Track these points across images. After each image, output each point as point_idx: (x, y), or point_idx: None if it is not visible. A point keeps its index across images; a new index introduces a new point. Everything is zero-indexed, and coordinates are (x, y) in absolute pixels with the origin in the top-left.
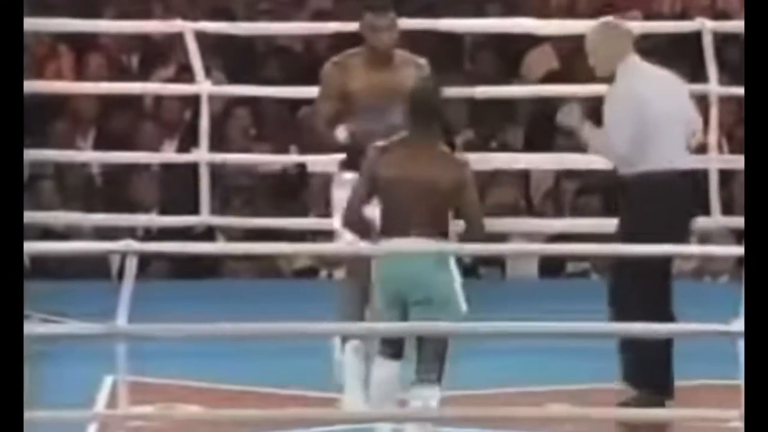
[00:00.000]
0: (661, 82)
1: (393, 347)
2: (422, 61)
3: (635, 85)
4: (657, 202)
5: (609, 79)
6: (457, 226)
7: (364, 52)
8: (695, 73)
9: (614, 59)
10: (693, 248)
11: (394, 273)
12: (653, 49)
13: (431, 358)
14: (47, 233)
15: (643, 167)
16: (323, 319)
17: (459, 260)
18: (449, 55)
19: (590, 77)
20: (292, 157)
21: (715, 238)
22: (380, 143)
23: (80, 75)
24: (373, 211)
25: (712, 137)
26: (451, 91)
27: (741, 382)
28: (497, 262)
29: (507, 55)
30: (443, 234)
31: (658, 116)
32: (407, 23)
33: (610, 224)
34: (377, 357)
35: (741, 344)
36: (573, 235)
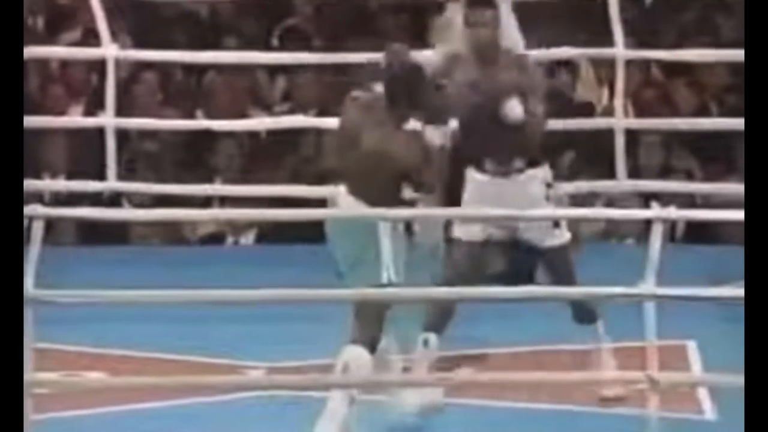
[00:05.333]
0: None
1: None
2: (528, 59)
3: None
4: None
5: None
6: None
7: (468, 45)
8: (599, 36)
9: None
10: (606, 212)
11: (329, 229)
12: (557, 11)
13: (360, 321)
14: None
15: None
16: (231, 286)
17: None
18: (355, 21)
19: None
20: (199, 122)
21: (621, 201)
22: (356, 95)
23: None
24: None
25: (618, 101)
26: (360, 57)
27: (646, 343)
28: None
29: (414, 20)
30: (387, 201)
31: None
32: None
33: None
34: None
35: (649, 307)
36: None
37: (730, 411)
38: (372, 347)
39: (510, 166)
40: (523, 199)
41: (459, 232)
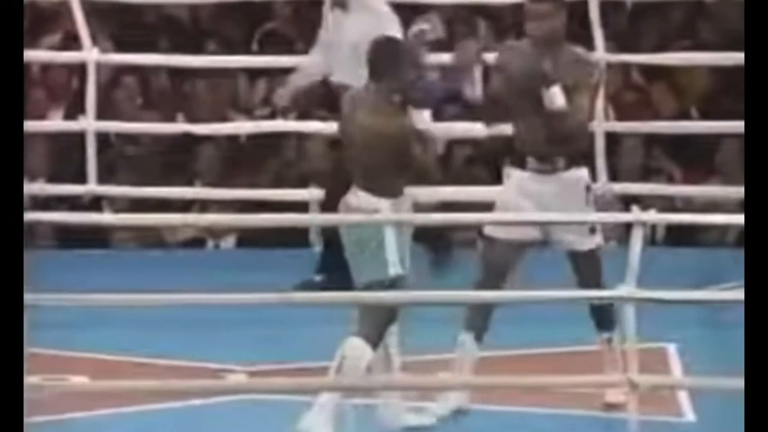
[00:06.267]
0: None
1: None
2: (592, 59)
3: None
4: None
5: None
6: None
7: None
8: (579, 39)
9: None
10: (586, 214)
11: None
12: None
13: (364, 314)
14: None
15: None
16: (212, 289)
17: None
18: None
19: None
20: (180, 126)
21: (602, 204)
22: (351, 92)
23: None
24: None
25: (599, 104)
26: None
27: (626, 346)
28: None
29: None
30: (389, 190)
31: None
32: None
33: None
34: None
35: (629, 309)
36: (460, 203)
37: (709, 414)
38: (375, 343)
39: (552, 163)
40: (564, 200)
41: (495, 230)
